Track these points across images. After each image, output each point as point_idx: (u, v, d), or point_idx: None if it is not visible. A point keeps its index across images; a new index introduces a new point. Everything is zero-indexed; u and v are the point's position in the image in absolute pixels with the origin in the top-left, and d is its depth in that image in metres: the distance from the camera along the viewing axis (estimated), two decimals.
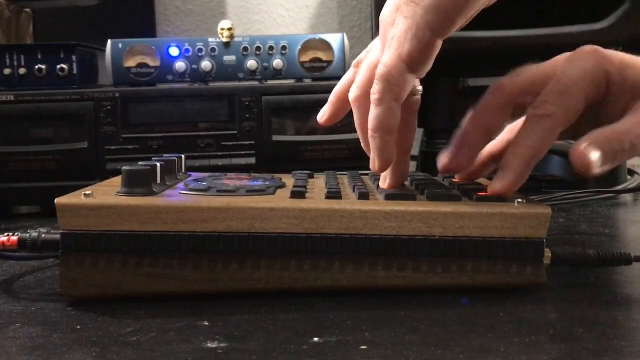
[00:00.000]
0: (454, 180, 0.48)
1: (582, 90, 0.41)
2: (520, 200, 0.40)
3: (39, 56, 0.76)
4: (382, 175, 0.45)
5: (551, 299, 0.39)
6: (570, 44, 0.45)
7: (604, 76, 0.42)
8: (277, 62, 0.79)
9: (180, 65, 0.78)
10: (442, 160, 0.45)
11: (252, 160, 0.75)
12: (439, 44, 0.41)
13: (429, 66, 0.41)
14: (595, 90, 0.42)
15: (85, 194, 0.39)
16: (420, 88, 0.44)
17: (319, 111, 0.48)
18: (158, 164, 0.43)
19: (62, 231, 0.38)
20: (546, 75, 0.43)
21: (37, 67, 0.76)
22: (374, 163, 0.42)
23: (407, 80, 0.41)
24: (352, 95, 0.44)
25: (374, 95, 0.41)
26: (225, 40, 0.79)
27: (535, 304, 0.38)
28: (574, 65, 0.42)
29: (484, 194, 0.41)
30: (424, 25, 0.39)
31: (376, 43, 0.45)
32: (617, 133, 0.40)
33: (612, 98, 0.42)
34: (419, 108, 0.46)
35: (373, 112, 0.41)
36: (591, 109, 0.42)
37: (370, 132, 0.42)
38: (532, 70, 0.45)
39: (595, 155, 0.39)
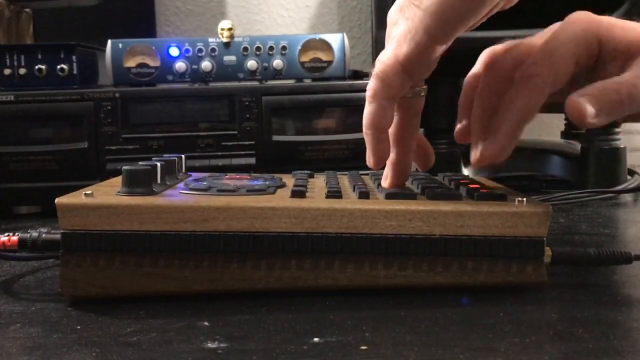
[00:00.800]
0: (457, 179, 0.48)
1: (570, 51, 0.40)
2: (520, 199, 0.40)
3: (39, 56, 0.76)
4: (384, 174, 0.45)
5: (551, 299, 0.39)
6: None
7: (595, 39, 0.41)
8: (277, 62, 0.79)
9: (180, 65, 0.78)
10: (475, 155, 0.44)
11: (252, 160, 0.75)
12: (439, 50, 0.40)
13: (427, 69, 0.41)
14: (585, 53, 0.41)
15: (85, 194, 0.39)
16: (424, 88, 0.44)
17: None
18: (158, 164, 0.43)
19: (62, 231, 0.38)
20: (537, 43, 0.43)
21: (37, 67, 0.76)
22: (368, 159, 0.43)
23: (401, 81, 0.40)
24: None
25: (368, 92, 0.41)
26: (225, 40, 0.79)
27: (535, 304, 0.38)
28: (563, 29, 0.41)
29: (485, 190, 0.41)
30: (422, 30, 0.39)
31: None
32: (613, 83, 0.39)
33: (603, 62, 0.42)
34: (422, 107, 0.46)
35: (366, 109, 0.41)
36: (585, 75, 0.42)
37: (363, 129, 0.42)
38: (524, 42, 0.45)
39: (590, 104, 0.38)
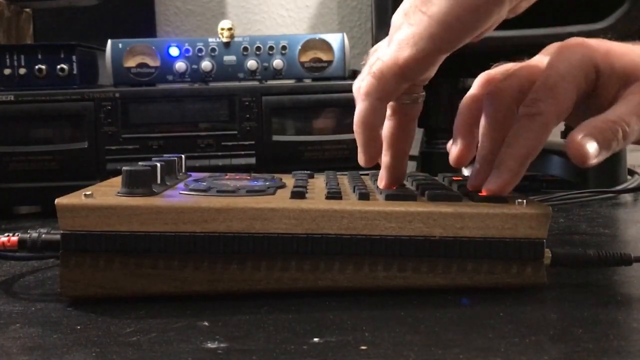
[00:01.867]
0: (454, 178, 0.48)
1: (571, 84, 0.41)
2: (520, 200, 0.40)
3: (39, 56, 0.76)
4: (379, 175, 0.45)
5: (551, 299, 0.39)
6: None
7: (593, 67, 0.41)
8: (277, 62, 0.79)
9: (180, 65, 0.78)
10: (480, 185, 0.44)
11: (252, 160, 0.75)
12: (440, 59, 0.40)
13: (425, 76, 0.41)
14: (584, 82, 0.41)
15: (85, 194, 0.39)
16: (422, 95, 0.44)
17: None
18: (158, 164, 0.43)
19: (62, 231, 0.38)
20: (538, 71, 0.43)
21: (37, 67, 0.76)
22: (359, 157, 0.43)
23: (397, 84, 0.40)
24: (355, 87, 0.44)
25: (362, 89, 0.41)
26: (225, 40, 0.79)
27: (535, 304, 0.38)
28: (561, 60, 0.41)
29: (484, 194, 0.41)
30: (426, 37, 0.38)
31: (384, 43, 0.44)
32: (609, 122, 0.39)
33: (601, 87, 0.42)
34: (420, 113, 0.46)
35: (357, 107, 0.41)
36: (581, 101, 0.42)
37: (354, 127, 0.42)
38: (523, 69, 0.45)
39: (591, 146, 0.38)
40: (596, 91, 0.42)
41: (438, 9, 0.38)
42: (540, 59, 0.45)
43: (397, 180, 0.45)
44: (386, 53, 0.40)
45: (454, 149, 0.46)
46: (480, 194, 0.41)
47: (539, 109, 0.40)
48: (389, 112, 0.43)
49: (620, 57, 0.42)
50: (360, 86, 0.42)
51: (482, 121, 0.45)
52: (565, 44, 0.42)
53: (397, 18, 0.41)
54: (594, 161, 0.39)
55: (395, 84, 0.40)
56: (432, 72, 0.42)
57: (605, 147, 0.39)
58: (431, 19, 0.38)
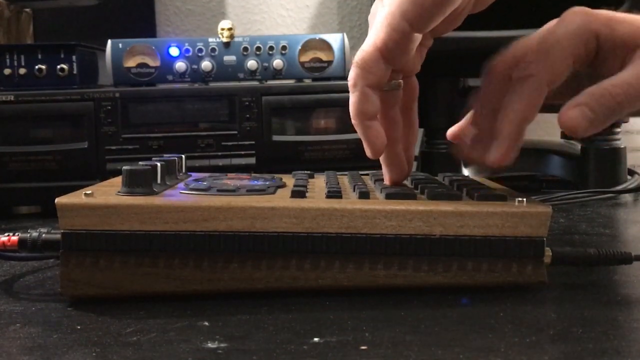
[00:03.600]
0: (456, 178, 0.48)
1: (567, 48, 0.40)
2: (520, 199, 0.40)
3: (39, 56, 0.76)
4: (383, 172, 0.46)
5: (551, 299, 0.39)
6: None
7: (593, 35, 0.41)
8: (277, 62, 0.79)
9: (180, 65, 0.78)
10: (467, 155, 0.45)
11: (252, 160, 0.75)
12: (417, 38, 0.40)
13: (406, 57, 0.41)
14: (583, 49, 0.41)
15: (85, 194, 0.39)
16: (400, 82, 0.44)
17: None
18: (158, 164, 0.43)
19: (62, 231, 0.38)
20: (532, 42, 0.43)
21: (37, 67, 0.76)
22: (366, 150, 0.43)
23: (380, 68, 0.40)
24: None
25: (349, 81, 0.41)
26: (225, 40, 0.79)
27: (535, 304, 0.38)
28: (560, 26, 0.41)
29: (485, 191, 0.41)
30: (399, 15, 0.39)
31: None
32: (609, 86, 0.39)
33: (604, 57, 0.41)
34: (418, 107, 0.46)
35: (350, 99, 0.42)
36: (585, 71, 0.42)
37: (352, 120, 0.42)
38: (520, 42, 0.45)
39: (583, 114, 0.38)
40: (598, 61, 0.41)
41: None
42: (540, 33, 0.44)
43: (398, 171, 0.45)
44: (366, 42, 0.41)
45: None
46: (483, 165, 0.41)
47: (530, 71, 0.40)
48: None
49: (623, 26, 0.41)
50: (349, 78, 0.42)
51: (478, 92, 0.45)
52: (566, 13, 0.42)
53: (373, 7, 0.42)
54: (588, 131, 0.38)
55: (378, 68, 0.40)
56: (410, 57, 0.41)
57: (604, 114, 0.38)
58: None
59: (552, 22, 0.43)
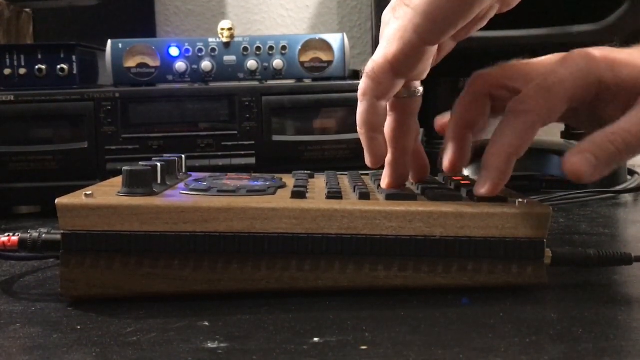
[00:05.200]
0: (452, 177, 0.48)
1: (566, 91, 0.40)
2: (521, 200, 0.40)
3: (39, 56, 0.76)
4: (383, 174, 0.45)
5: (551, 299, 0.39)
6: (570, 43, 0.45)
7: (595, 79, 0.41)
8: (277, 62, 0.79)
9: (180, 65, 0.78)
10: (441, 160, 0.45)
11: (252, 160, 0.75)
12: (429, 51, 0.40)
13: (418, 69, 0.41)
14: (582, 93, 0.41)
15: (85, 194, 0.39)
16: (420, 89, 0.44)
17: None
18: (158, 164, 0.43)
19: (62, 231, 0.38)
20: (526, 72, 0.43)
21: (37, 67, 0.76)
22: (366, 158, 0.43)
23: (391, 80, 0.40)
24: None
25: (359, 91, 0.41)
26: (225, 40, 0.79)
27: (535, 304, 0.38)
28: (563, 67, 0.41)
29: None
30: (411, 29, 0.39)
31: None
32: (608, 134, 0.39)
33: (607, 100, 0.42)
34: (419, 109, 0.46)
35: (358, 108, 0.42)
36: (586, 111, 0.42)
37: (357, 128, 0.42)
38: (511, 65, 0.45)
39: (587, 162, 0.38)
40: (600, 104, 0.42)
41: (421, 1, 0.38)
42: (537, 61, 0.44)
43: (399, 178, 0.45)
44: (376, 53, 0.41)
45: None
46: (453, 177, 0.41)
47: (526, 107, 0.40)
48: (387, 108, 0.43)
49: (627, 67, 0.41)
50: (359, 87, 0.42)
51: (459, 97, 0.46)
52: (569, 53, 0.42)
53: (385, 14, 0.42)
54: (592, 177, 0.39)
55: (388, 81, 0.40)
56: (426, 66, 0.42)
57: (605, 160, 0.39)
58: (414, 11, 0.38)
59: (553, 59, 0.43)
